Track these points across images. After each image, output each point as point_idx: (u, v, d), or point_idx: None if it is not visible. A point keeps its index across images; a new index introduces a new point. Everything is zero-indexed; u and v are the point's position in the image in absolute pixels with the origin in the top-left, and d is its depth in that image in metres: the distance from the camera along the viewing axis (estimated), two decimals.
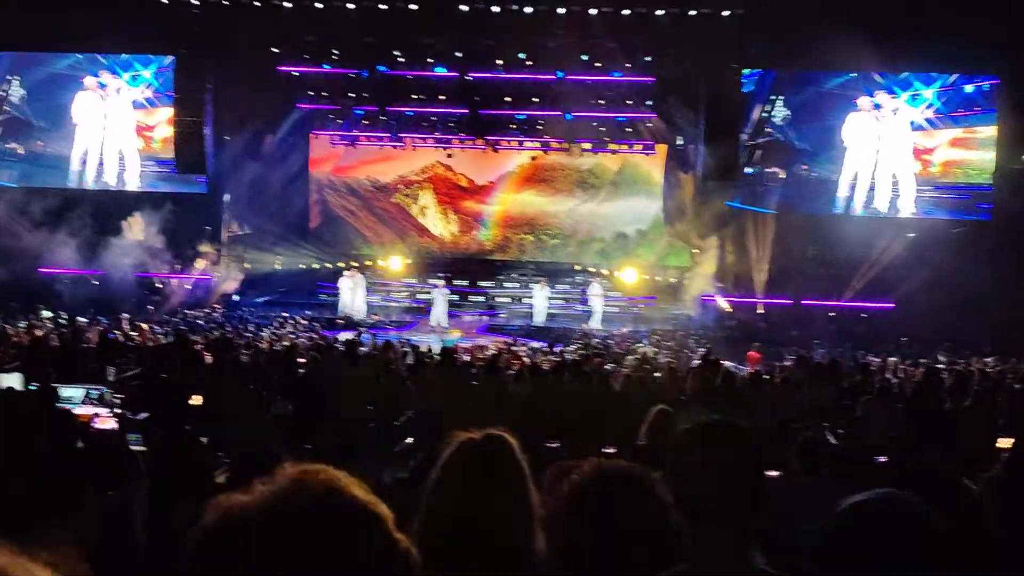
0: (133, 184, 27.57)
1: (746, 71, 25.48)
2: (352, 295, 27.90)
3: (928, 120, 25.94)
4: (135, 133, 27.52)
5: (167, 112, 27.05)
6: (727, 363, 18.65)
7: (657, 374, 15.23)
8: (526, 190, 31.37)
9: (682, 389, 12.57)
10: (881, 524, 2.10)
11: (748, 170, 26.36)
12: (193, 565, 1.56)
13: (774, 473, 7.48)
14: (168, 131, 27.07)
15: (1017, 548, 3.48)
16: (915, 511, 2.11)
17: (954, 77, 25.72)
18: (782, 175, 26.49)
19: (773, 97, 26.02)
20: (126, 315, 22.82)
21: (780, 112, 25.93)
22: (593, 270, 30.72)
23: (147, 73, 27.21)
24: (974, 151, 26.01)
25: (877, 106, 25.87)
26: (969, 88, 25.71)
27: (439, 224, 31.90)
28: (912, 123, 26.00)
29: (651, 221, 30.76)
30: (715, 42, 23.60)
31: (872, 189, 26.14)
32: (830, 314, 26.10)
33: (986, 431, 10.36)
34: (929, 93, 25.92)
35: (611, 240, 31.23)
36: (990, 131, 25.63)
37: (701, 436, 2.79)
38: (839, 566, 2.10)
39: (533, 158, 30.72)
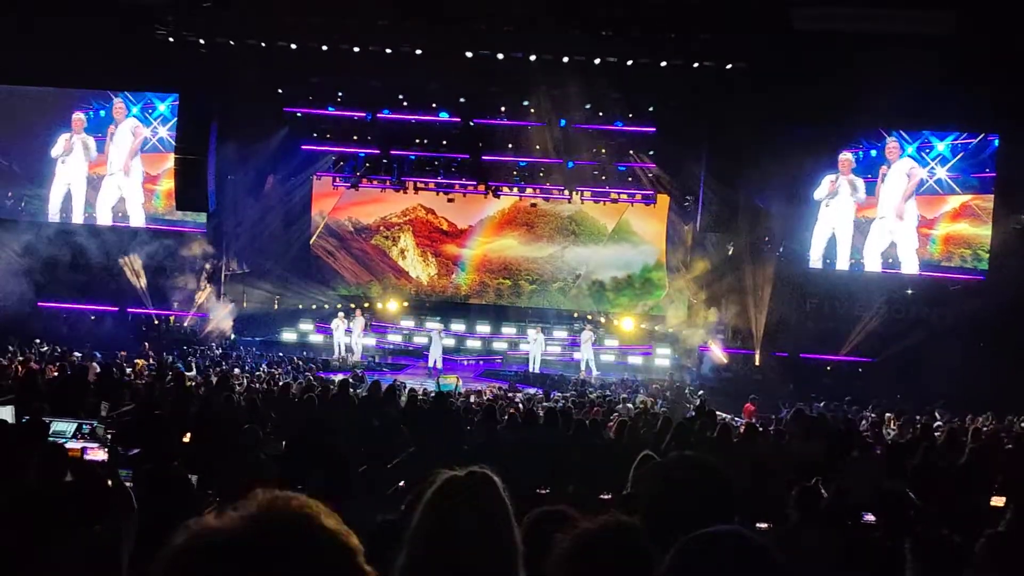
0: (135, 220, 27.53)
1: None
2: (344, 335, 27.98)
3: (938, 182, 25.64)
4: (138, 176, 27.62)
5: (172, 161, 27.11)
6: (722, 414, 18.64)
7: (647, 425, 15.17)
8: (506, 234, 31.58)
9: (682, 440, 12.53)
10: (718, 559, 2.09)
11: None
12: None
13: (764, 525, 7.48)
14: (171, 184, 27.02)
15: None
16: (752, 546, 2.11)
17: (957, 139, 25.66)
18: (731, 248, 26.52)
19: None
20: (122, 351, 22.82)
21: None
22: (590, 317, 30.79)
23: (162, 107, 27.39)
24: (980, 225, 25.62)
25: (865, 162, 25.87)
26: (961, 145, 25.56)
27: (418, 266, 32.18)
28: (921, 181, 25.69)
29: (633, 268, 31.02)
30: (718, 95, 23.70)
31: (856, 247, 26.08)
32: (827, 368, 26.08)
33: (980, 489, 10.33)
34: (943, 146, 25.67)
35: (586, 287, 31.47)
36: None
37: (671, 468, 2.79)
38: None
39: (533, 205, 30.87)
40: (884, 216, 25.86)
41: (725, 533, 2.18)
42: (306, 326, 29.84)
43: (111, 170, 27.56)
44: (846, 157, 25.88)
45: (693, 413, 17.80)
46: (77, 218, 27.68)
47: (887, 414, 20.25)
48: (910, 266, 25.84)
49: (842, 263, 26.14)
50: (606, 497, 9.13)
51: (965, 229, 25.61)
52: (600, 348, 29.58)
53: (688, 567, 2.11)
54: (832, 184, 25.95)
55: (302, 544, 1.58)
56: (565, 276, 31.90)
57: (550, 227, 31.68)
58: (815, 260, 26.17)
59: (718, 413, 18.33)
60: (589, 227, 31.57)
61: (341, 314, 28.81)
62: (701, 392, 24.19)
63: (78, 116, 27.59)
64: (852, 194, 25.88)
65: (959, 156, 25.45)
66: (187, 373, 19.33)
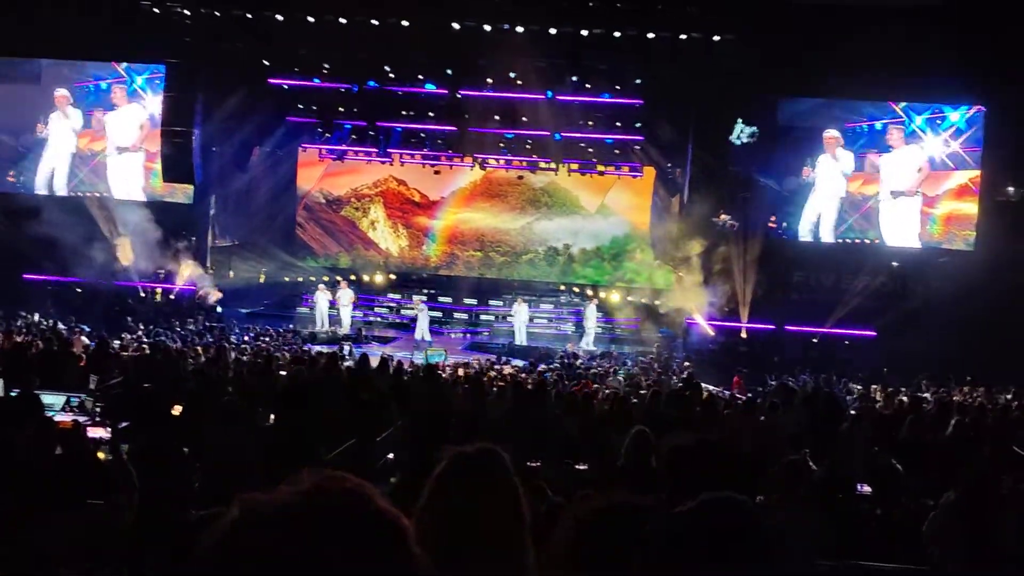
0: (122, 193, 27.43)
1: None
2: (327, 307, 28.04)
3: (950, 155, 25.53)
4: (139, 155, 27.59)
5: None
6: (709, 387, 18.72)
7: (636, 398, 15.21)
8: (477, 205, 31.62)
9: (664, 412, 12.56)
10: (710, 526, 2.09)
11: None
12: (211, 559, 1.55)
13: (758, 498, 7.52)
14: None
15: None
16: (743, 511, 2.11)
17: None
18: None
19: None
20: (107, 323, 22.80)
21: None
22: (577, 290, 30.88)
23: (139, 80, 27.24)
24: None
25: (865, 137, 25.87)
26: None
27: (388, 238, 32.19)
28: (931, 159, 25.61)
29: (602, 240, 31.36)
30: (705, 67, 23.64)
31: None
32: (813, 340, 26.16)
33: (967, 461, 10.39)
34: (956, 116, 25.53)
35: (543, 254, 31.57)
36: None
37: (689, 454, 2.77)
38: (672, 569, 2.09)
39: (520, 177, 30.86)
40: (899, 190, 25.86)
41: (725, 502, 2.17)
42: (292, 298, 29.83)
43: (116, 146, 27.54)
44: (831, 134, 25.79)
45: (680, 385, 17.85)
46: (60, 191, 27.59)
47: (873, 386, 20.37)
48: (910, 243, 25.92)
49: (826, 235, 26.20)
50: (582, 468, 9.20)
51: (967, 208, 25.61)
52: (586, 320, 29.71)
53: (684, 537, 2.10)
54: (818, 162, 26.01)
55: (356, 521, 1.58)
56: (536, 248, 31.96)
57: (522, 198, 31.71)
58: (804, 233, 26.21)
59: (705, 386, 18.42)
60: (561, 198, 31.62)
61: (322, 286, 28.84)
62: (688, 365, 24.26)
63: (60, 92, 27.40)
64: (838, 169, 25.87)
65: (973, 129, 25.39)
66: (173, 345, 19.30)
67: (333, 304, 28.36)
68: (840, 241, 26.12)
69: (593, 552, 2.69)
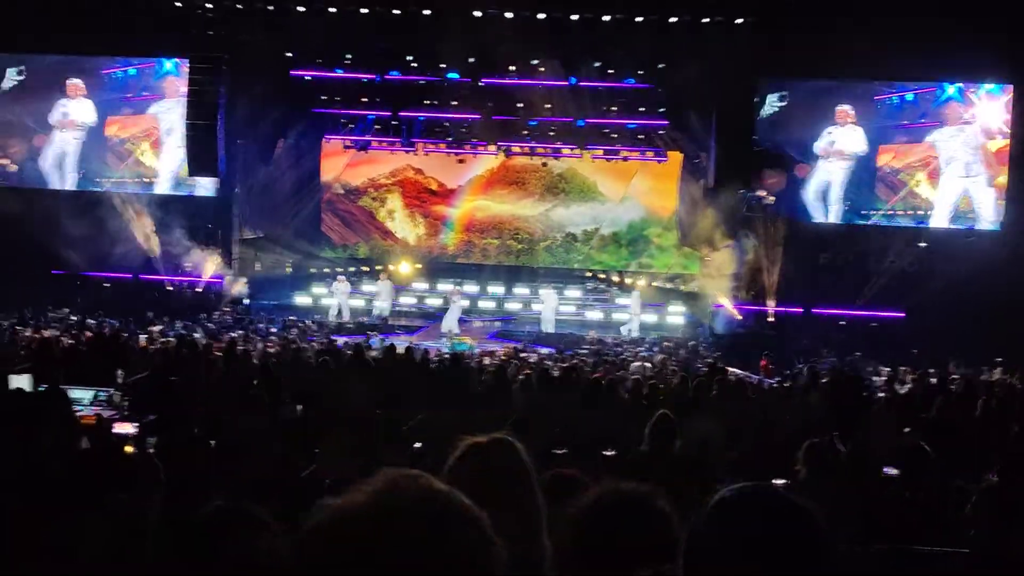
0: (161, 187, 27.69)
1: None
2: (345, 298, 28.29)
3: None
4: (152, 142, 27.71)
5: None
6: (736, 371, 18.65)
7: (663, 383, 15.16)
8: (494, 193, 31.58)
9: (689, 397, 12.53)
10: (751, 517, 2.04)
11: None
12: (309, 563, 1.56)
13: (781, 482, 7.48)
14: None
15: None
16: (786, 503, 2.07)
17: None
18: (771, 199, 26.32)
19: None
20: (135, 318, 22.92)
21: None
22: (603, 276, 30.84)
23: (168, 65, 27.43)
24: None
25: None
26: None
27: (406, 227, 32.15)
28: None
29: (619, 226, 31.31)
30: (727, 50, 23.52)
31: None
32: (840, 323, 26.03)
33: (996, 442, 10.32)
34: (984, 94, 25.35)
35: (561, 240, 31.55)
36: None
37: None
38: (712, 564, 2.04)
39: (544, 164, 30.78)
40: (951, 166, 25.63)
41: (764, 491, 2.13)
42: (319, 289, 29.91)
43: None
44: (843, 108, 25.67)
45: (706, 370, 17.80)
46: (69, 184, 27.83)
47: (901, 367, 20.23)
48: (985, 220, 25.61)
49: (833, 216, 26.12)
50: (609, 454, 9.17)
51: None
52: (614, 307, 29.65)
53: (725, 526, 2.06)
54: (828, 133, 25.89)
55: (440, 516, 1.59)
56: (554, 234, 31.90)
57: (540, 185, 31.62)
58: (814, 212, 26.15)
59: (732, 370, 18.36)
60: (579, 185, 31.51)
61: (342, 277, 28.97)
62: (715, 349, 24.21)
63: (73, 82, 27.50)
64: (848, 143, 25.75)
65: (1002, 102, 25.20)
66: (199, 338, 19.38)
67: (355, 294, 28.56)
68: (865, 213, 26.00)
69: (595, 542, 2.68)
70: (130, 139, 27.67)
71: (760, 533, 1.98)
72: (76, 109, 27.63)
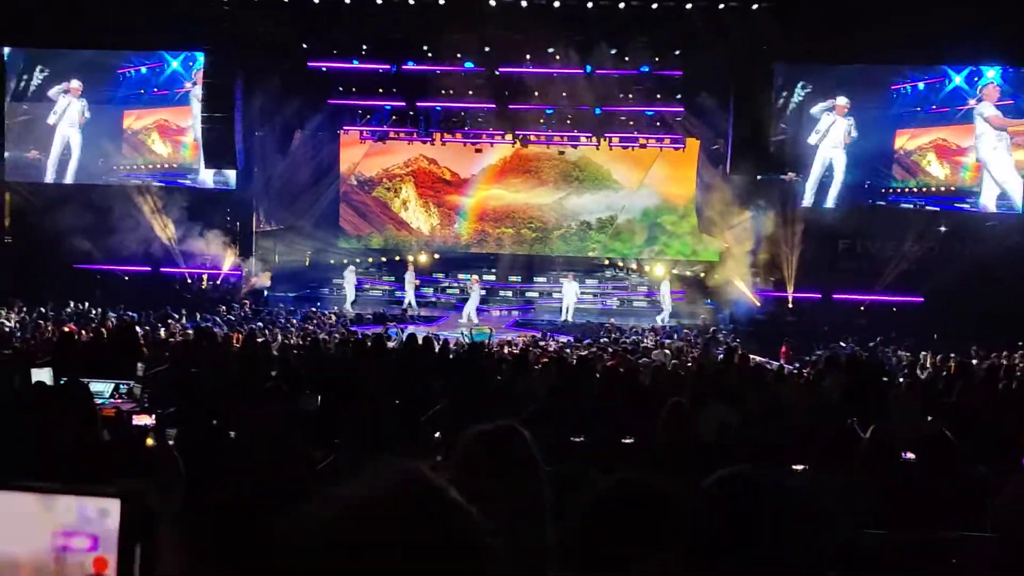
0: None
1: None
2: (353, 287, 28.64)
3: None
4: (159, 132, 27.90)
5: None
6: (756, 357, 18.61)
7: (683, 370, 15.14)
8: (507, 181, 31.57)
9: (711, 384, 12.48)
10: (742, 501, 2.03)
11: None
12: (305, 555, 1.55)
13: (799, 467, 7.46)
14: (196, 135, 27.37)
15: None
16: (777, 486, 2.06)
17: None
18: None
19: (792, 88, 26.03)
20: (154, 311, 23.03)
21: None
22: (620, 265, 30.82)
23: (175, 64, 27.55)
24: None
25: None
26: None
27: (420, 217, 32.20)
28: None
29: (633, 213, 31.32)
30: (744, 36, 23.43)
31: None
32: (860, 308, 25.94)
33: (1017, 426, 10.25)
34: (992, 73, 25.27)
35: (575, 229, 31.53)
36: None
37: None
38: (710, 551, 2.04)
39: (561, 153, 30.75)
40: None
41: (754, 475, 2.13)
42: (338, 280, 30.01)
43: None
44: (841, 102, 25.74)
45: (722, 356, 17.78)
46: (69, 178, 28.07)
47: (923, 352, 20.16)
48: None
49: (834, 191, 26.14)
50: (628, 441, 9.15)
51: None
52: (633, 294, 29.65)
53: (717, 510, 2.06)
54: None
55: (435, 514, 1.58)
56: (568, 223, 31.87)
57: (554, 173, 31.60)
58: (811, 185, 26.18)
59: (752, 356, 18.30)
60: (593, 173, 31.46)
61: (352, 266, 29.11)
62: (734, 336, 24.17)
63: (76, 84, 27.77)
64: (838, 135, 25.89)
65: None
66: (218, 331, 19.45)
67: (359, 285, 28.82)
68: (884, 192, 25.95)
69: (604, 531, 2.67)
70: (142, 130, 27.86)
71: (750, 516, 1.99)
72: (73, 107, 27.90)
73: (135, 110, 27.85)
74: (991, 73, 25.07)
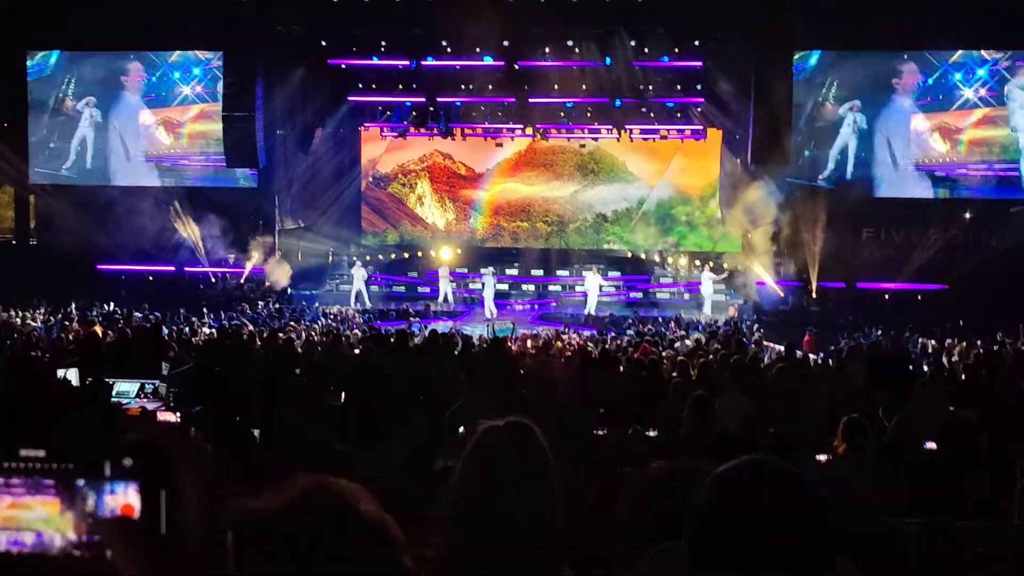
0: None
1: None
2: (362, 284, 28.63)
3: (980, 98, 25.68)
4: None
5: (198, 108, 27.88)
6: (778, 347, 18.55)
7: (706, 362, 15.09)
8: (522, 175, 31.57)
9: (737, 376, 12.44)
10: (753, 491, 2.02)
11: (806, 153, 26.33)
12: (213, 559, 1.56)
13: (823, 457, 7.45)
14: (195, 126, 28.02)
15: None
16: (787, 476, 2.05)
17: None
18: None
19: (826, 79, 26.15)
20: (181, 310, 23.15)
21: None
22: (644, 256, 30.77)
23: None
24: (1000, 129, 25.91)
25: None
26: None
27: (435, 212, 32.23)
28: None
29: (648, 204, 31.29)
30: (765, 24, 23.33)
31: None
32: (884, 297, 25.82)
33: None
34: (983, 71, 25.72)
35: (591, 221, 31.53)
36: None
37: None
38: (715, 539, 2.03)
39: (582, 145, 30.73)
40: None
41: (762, 463, 2.12)
42: (346, 287, 30.19)
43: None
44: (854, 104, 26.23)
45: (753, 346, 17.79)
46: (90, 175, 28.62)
47: (948, 340, 20.05)
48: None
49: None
50: (652, 435, 9.14)
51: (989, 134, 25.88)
52: (656, 286, 29.60)
53: (723, 499, 2.06)
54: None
55: (341, 532, 1.59)
56: (583, 215, 31.86)
57: (569, 166, 31.58)
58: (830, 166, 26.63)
59: (773, 346, 18.27)
60: (608, 165, 31.42)
61: (359, 263, 29.18)
62: (758, 326, 24.11)
63: (90, 99, 28.35)
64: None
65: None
66: (242, 329, 19.51)
67: (368, 282, 28.82)
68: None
69: (654, 520, 2.65)
70: (155, 124, 28.33)
71: (757, 505, 1.98)
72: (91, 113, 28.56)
73: (149, 110, 28.33)
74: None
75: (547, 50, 26.25)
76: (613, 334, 22.83)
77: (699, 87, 27.14)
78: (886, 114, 26.19)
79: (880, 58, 25.89)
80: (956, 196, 25.75)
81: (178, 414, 9.70)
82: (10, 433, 1.44)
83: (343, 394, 11.36)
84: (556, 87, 27.21)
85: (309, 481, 1.65)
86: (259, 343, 16.35)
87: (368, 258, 30.61)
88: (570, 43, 25.72)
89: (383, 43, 26.78)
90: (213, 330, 19.79)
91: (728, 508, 2.00)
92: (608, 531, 2.78)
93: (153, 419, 8.01)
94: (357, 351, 15.67)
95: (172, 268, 27.44)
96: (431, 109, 29.07)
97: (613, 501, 2.97)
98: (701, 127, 28.97)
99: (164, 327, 19.08)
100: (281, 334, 17.89)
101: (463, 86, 28.05)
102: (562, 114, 28.97)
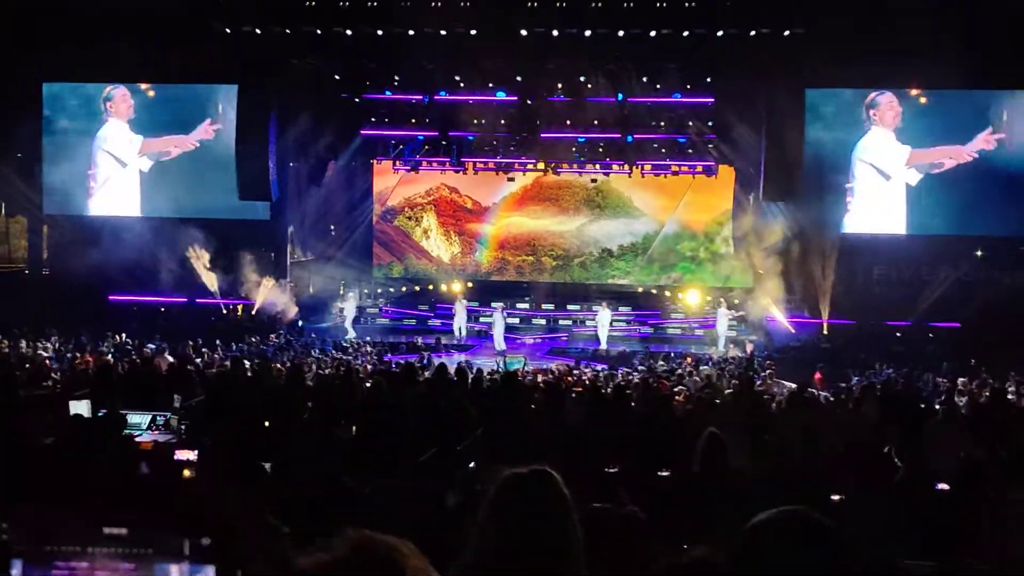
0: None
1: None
2: (352, 313, 28.89)
3: None
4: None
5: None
6: (788, 383, 18.50)
7: (719, 398, 15.06)
8: (527, 209, 31.64)
9: (748, 413, 12.40)
10: (787, 541, 2.03)
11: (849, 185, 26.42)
12: None
13: (836, 497, 7.41)
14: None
15: None
16: (819, 527, 2.06)
17: None
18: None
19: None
20: (190, 342, 23.14)
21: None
22: (655, 292, 30.77)
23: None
24: None
25: None
26: None
27: (441, 246, 32.31)
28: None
29: (650, 240, 31.44)
30: (775, 62, 23.43)
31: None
32: (896, 335, 25.76)
33: None
34: None
35: (597, 256, 31.54)
36: None
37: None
38: None
39: (593, 180, 30.83)
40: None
41: (794, 515, 2.13)
42: (372, 310, 30.16)
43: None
44: None
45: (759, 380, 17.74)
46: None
47: (960, 379, 19.95)
48: None
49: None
50: (664, 474, 9.09)
51: None
52: (667, 321, 29.58)
53: (758, 551, 2.07)
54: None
55: None
56: (589, 250, 31.89)
57: (575, 200, 31.69)
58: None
59: (786, 383, 18.22)
60: (614, 200, 31.53)
61: (351, 293, 29.34)
62: (769, 365, 24.05)
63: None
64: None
65: None
66: (254, 362, 19.50)
67: (360, 311, 28.90)
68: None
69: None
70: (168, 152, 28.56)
71: (790, 558, 1.99)
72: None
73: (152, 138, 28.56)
74: None
75: (560, 86, 26.36)
76: (625, 370, 22.78)
77: (710, 124, 27.23)
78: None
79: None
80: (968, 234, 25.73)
81: (196, 452, 9.68)
82: (84, 503, 1.46)
83: (354, 427, 11.34)
84: (568, 122, 27.32)
85: (358, 537, 1.66)
86: (272, 374, 16.36)
87: (380, 290, 30.69)
88: (582, 79, 25.83)
89: (396, 77, 26.94)
90: (226, 362, 19.77)
91: (760, 560, 2.02)
92: None
93: (231, 497, 8.02)
94: (368, 384, 15.65)
95: (184, 299, 27.48)
96: (443, 143, 29.20)
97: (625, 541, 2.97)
98: (712, 163, 29.03)
99: (172, 358, 19.11)
100: (293, 367, 17.87)
101: (475, 120, 28.17)
102: (574, 149, 29.08)
